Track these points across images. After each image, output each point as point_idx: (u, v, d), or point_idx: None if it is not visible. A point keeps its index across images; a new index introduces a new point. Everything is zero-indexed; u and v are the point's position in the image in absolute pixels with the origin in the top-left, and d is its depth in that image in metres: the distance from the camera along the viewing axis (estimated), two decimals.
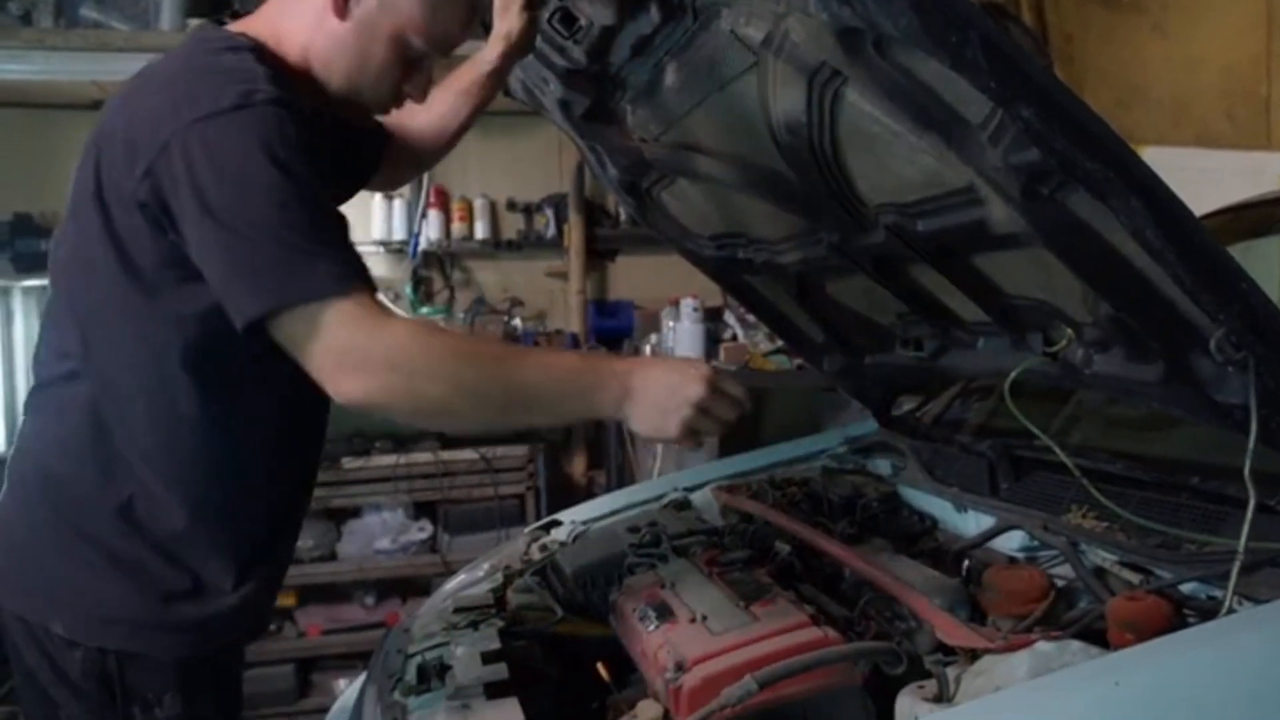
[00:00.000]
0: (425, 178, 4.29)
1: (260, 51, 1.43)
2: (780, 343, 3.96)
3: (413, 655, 1.82)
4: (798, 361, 3.97)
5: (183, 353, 1.42)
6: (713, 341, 4.05)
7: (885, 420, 2.64)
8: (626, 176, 2.33)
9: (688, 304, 3.98)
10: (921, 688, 1.36)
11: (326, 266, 1.28)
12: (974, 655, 1.39)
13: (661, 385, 1.34)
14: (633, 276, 4.66)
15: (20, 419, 1.62)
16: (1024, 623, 1.45)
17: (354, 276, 1.30)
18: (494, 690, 1.61)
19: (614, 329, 4.37)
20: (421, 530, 3.88)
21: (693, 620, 1.58)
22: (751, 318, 4.12)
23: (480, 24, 1.70)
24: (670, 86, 1.88)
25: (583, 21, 1.80)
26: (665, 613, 1.64)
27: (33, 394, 1.58)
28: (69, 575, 1.46)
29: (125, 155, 1.35)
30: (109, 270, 1.40)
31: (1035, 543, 1.72)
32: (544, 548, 2.31)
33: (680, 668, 1.43)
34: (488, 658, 1.73)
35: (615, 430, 3.86)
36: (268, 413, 1.49)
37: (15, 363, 4.26)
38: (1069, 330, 1.70)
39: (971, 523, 1.96)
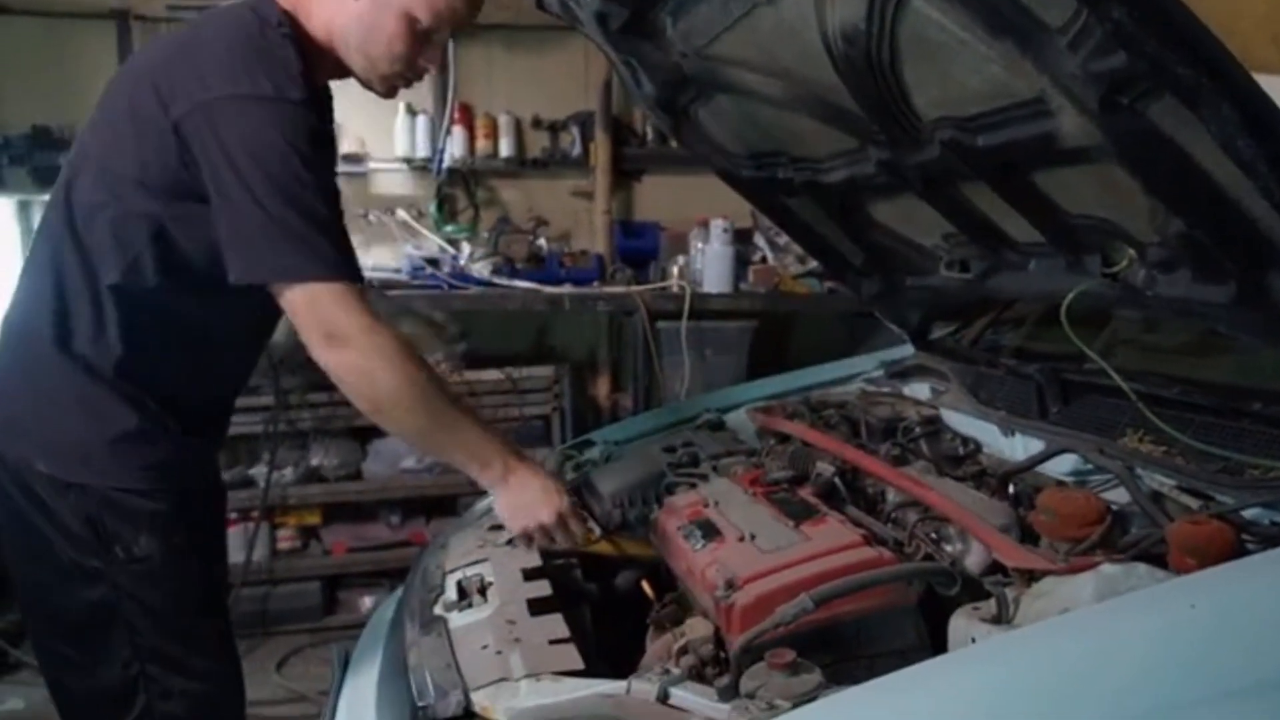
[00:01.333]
0: (450, 93, 4.20)
1: (293, 27, 1.62)
2: (810, 265, 3.91)
3: (451, 572, 1.81)
4: (829, 285, 3.92)
5: (154, 238, 1.62)
6: (742, 264, 3.98)
7: (922, 344, 2.61)
8: (663, 93, 2.26)
9: (717, 225, 3.90)
10: (977, 609, 1.35)
11: (328, 253, 1.54)
12: (1030, 577, 1.37)
13: (526, 495, 1.70)
14: (659, 197, 4.56)
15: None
16: (1081, 546, 1.43)
17: (348, 265, 1.57)
18: (537, 606, 1.60)
19: (639, 250, 4.29)
20: None
21: (741, 539, 1.57)
22: (782, 240, 4.07)
23: None
24: None
25: None
26: (711, 531, 1.63)
27: (25, 263, 1.77)
28: (47, 419, 1.65)
29: (165, 91, 1.55)
30: (126, 168, 1.60)
31: (1087, 466, 1.70)
32: (577, 467, 2.29)
33: (731, 585, 1.41)
34: (529, 574, 1.73)
35: (643, 351, 3.82)
36: (217, 288, 1.62)
37: None
38: (1130, 250, 1.65)
39: (1018, 446, 1.94)
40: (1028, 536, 1.54)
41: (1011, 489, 1.76)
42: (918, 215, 2.12)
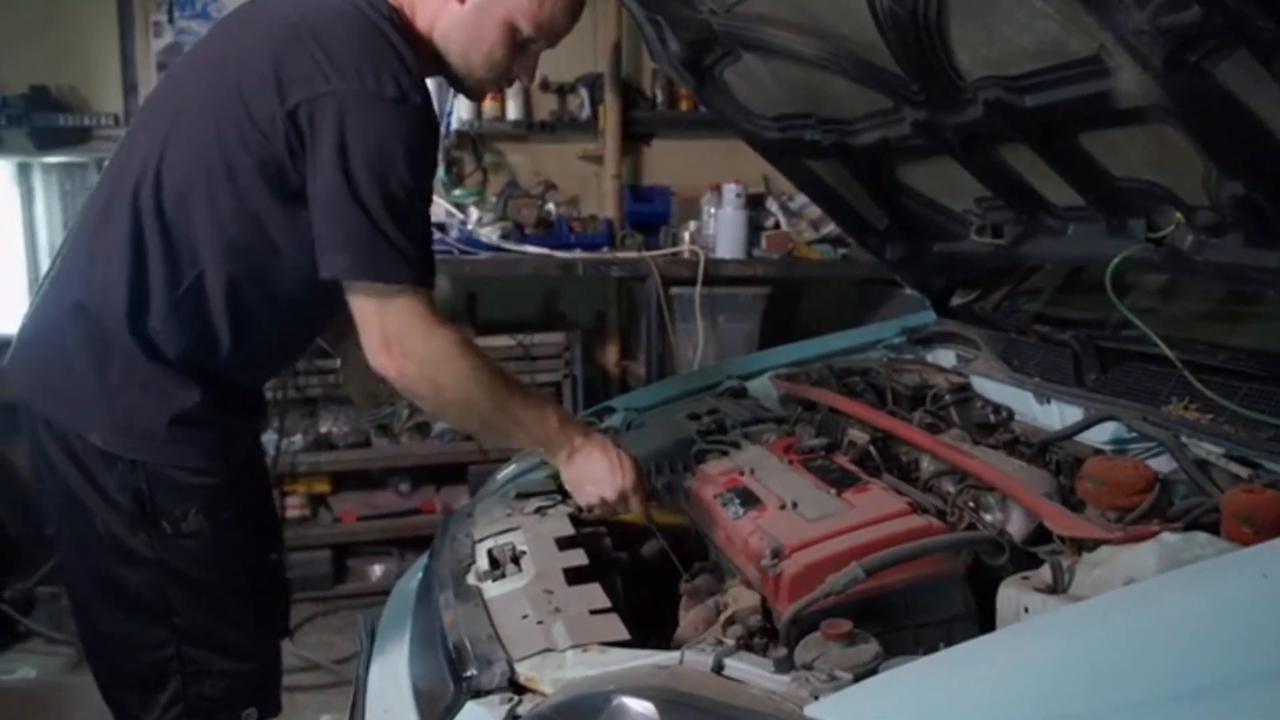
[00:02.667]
0: None
1: (400, 19, 1.61)
2: (824, 231, 3.87)
3: (481, 541, 1.78)
4: (842, 251, 3.88)
5: (248, 231, 1.60)
6: (755, 229, 3.93)
7: (944, 310, 2.58)
8: (689, 53, 2.21)
9: (730, 189, 3.84)
10: (1027, 578, 1.32)
11: (410, 261, 1.52)
12: (1081, 546, 1.35)
13: (593, 472, 1.68)
14: (668, 161, 4.50)
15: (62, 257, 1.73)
16: (1131, 515, 1.40)
17: (426, 276, 1.55)
18: (574, 575, 1.58)
19: (649, 214, 4.22)
20: None
21: (782, 507, 1.54)
22: (795, 205, 4.03)
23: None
24: None
25: None
26: (750, 499, 1.60)
27: (82, 228, 1.70)
28: (107, 395, 1.61)
29: (285, 77, 1.51)
30: (228, 153, 1.57)
31: (1129, 435, 1.67)
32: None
33: (778, 554, 1.39)
34: (563, 544, 1.70)
35: (656, 317, 3.78)
36: (301, 284, 1.63)
37: (37, 239, 4.14)
38: (1178, 214, 1.62)
39: (1054, 414, 1.91)
40: (1070, 505, 1.52)
41: (1050, 457, 1.74)
42: (950, 179, 2.08)
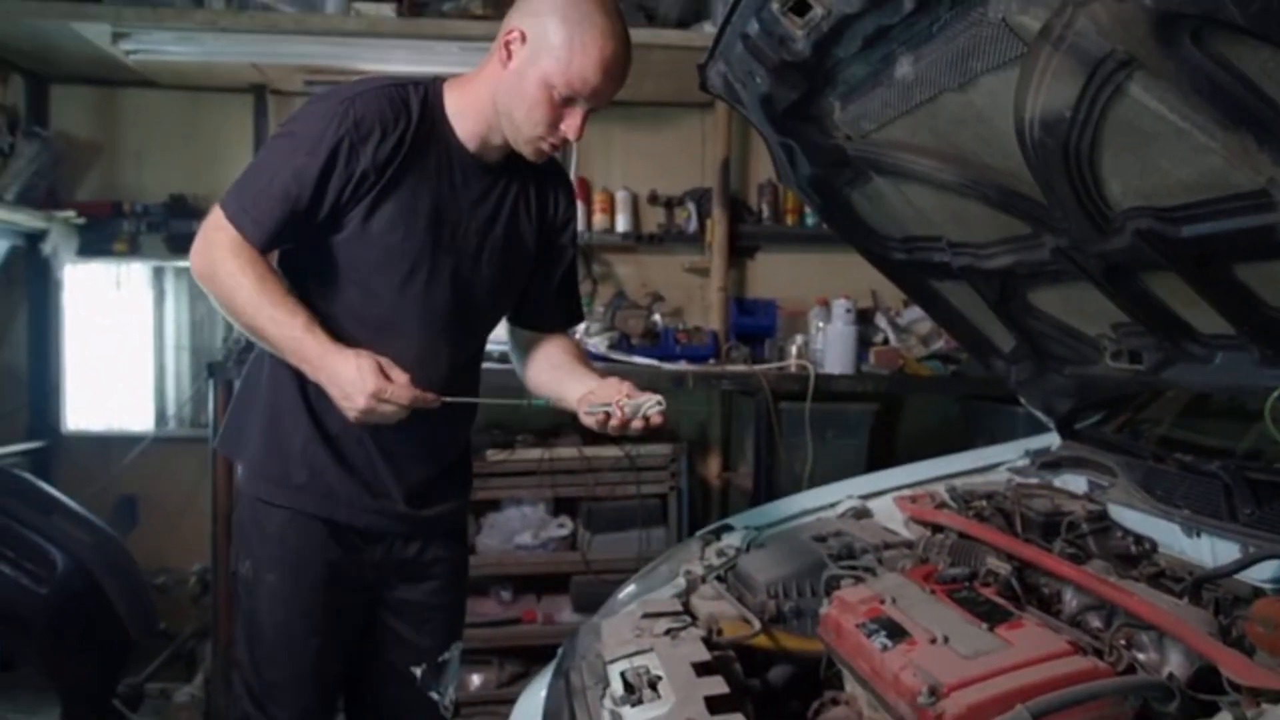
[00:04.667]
0: (570, 168, 4.24)
1: (437, 93, 1.93)
2: (934, 348, 3.84)
3: (612, 662, 1.77)
4: (952, 368, 3.84)
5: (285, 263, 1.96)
6: (863, 344, 3.92)
7: (1069, 434, 2.52)
8: (821, 175, 2.23)
9: (840, 305, 3.84)
10: None
11: (248, 204, 1.80)
12: (1258, 696, 1.29)
13: (336, 387, 1.77)
14: (772, 274, 4.53)
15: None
16: None
17: (249, 220, 1.79)
18: (715, 704, 1.55)
19: (754, 327, 4.24)
20: (561, 526, 3.81)
21: (933, 641, 1.50)
22: (904, 320, 4.01)
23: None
24: (899, 80, 1.78)
25: (818, 10, 1.71)
26: (897, 631, 1.56)
27: None
28: (244, 429, 2.03)
29: None
30: None
31: None
32: (720, 553, 2.25)
33: (934, 693, 1.35)
34: (699, 669, 1.68)
35: (765, 432, 3.75)
36: (348, 322, 1.90)
37: (165, 340, 4.33)
38: None
39: (1204, 548, 1.84)
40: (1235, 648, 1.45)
41: (1206, 595, 1.67)
42: (1086, 303, 2.05)
